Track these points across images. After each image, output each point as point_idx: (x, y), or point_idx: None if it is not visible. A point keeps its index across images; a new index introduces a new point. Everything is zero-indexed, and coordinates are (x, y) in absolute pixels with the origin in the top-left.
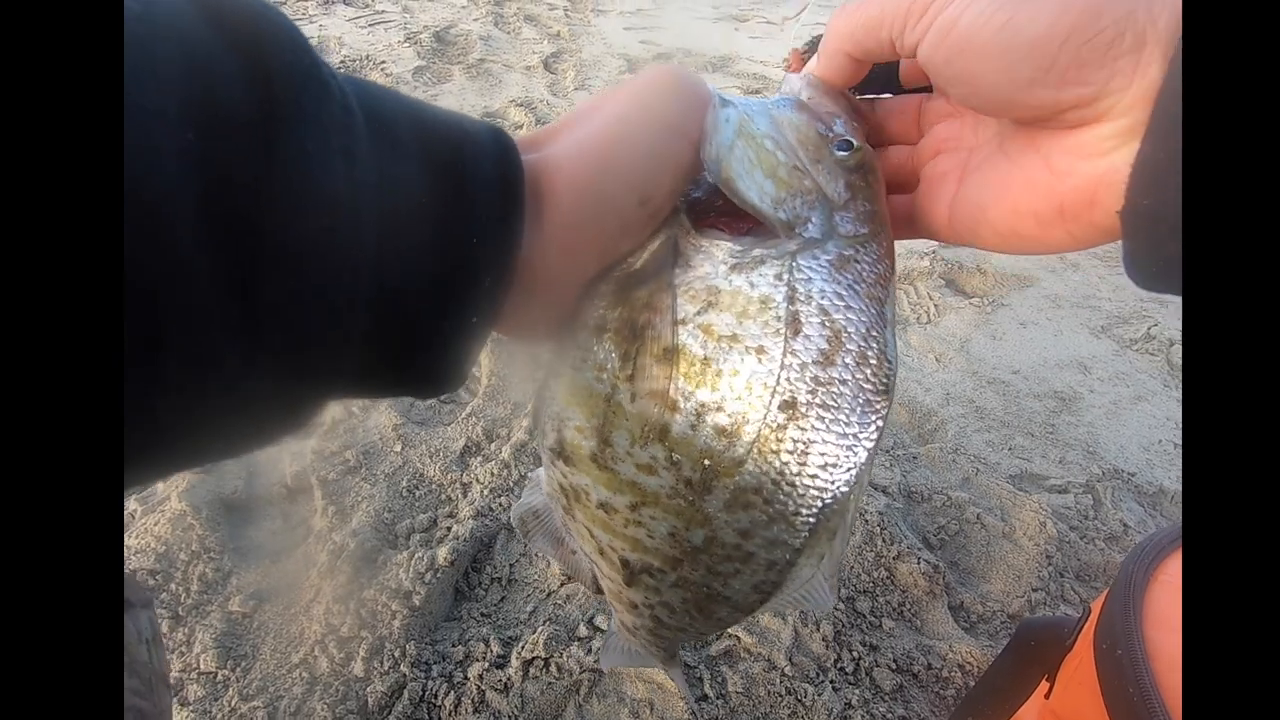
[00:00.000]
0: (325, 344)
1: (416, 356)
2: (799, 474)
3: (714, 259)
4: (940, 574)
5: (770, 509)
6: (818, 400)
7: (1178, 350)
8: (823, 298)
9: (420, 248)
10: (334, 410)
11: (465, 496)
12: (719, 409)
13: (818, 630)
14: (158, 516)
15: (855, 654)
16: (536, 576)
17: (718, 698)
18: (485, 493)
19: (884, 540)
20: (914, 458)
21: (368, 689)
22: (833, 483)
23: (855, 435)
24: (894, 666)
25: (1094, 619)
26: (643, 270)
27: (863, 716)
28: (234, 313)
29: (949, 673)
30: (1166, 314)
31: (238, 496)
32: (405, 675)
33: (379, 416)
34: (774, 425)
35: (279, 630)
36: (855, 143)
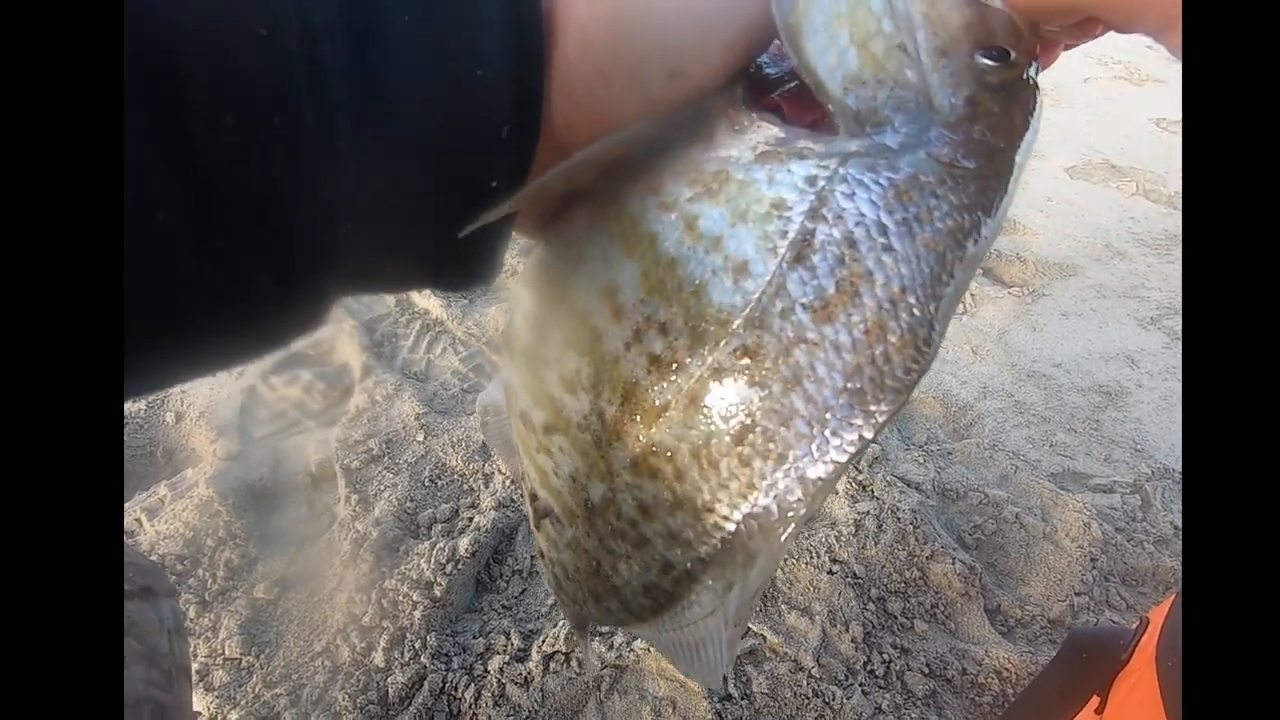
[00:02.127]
0: (310, 258)
1: (432, 255)
2: (727, 455)
3: (744, 142)
4: (976, 575)
5: (678, 489)
6: (789, 364)
7: None
8: (857, 224)
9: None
10: (358, 399)
11: (487, 487)
12: (662, 331)
13: (847, 631)
14: (186, 503)
15: (886, 656)
16: None
17: (742, 698)
18: (507, 484)
19: (917, 539)
20: (949, 453)
21: (388, 679)
22: (769, 487)
23: (825, 435)
24: (926, 671)
25: (1154, 631)
26: (659, 136)
27: None
28: (197, 220)
29: (985, 679)
30: None
31: (264, 484)
32: (425, 667)
33: (403, 405)
34: (720, 376)
35: (302, 618)
36: (1013, 55)
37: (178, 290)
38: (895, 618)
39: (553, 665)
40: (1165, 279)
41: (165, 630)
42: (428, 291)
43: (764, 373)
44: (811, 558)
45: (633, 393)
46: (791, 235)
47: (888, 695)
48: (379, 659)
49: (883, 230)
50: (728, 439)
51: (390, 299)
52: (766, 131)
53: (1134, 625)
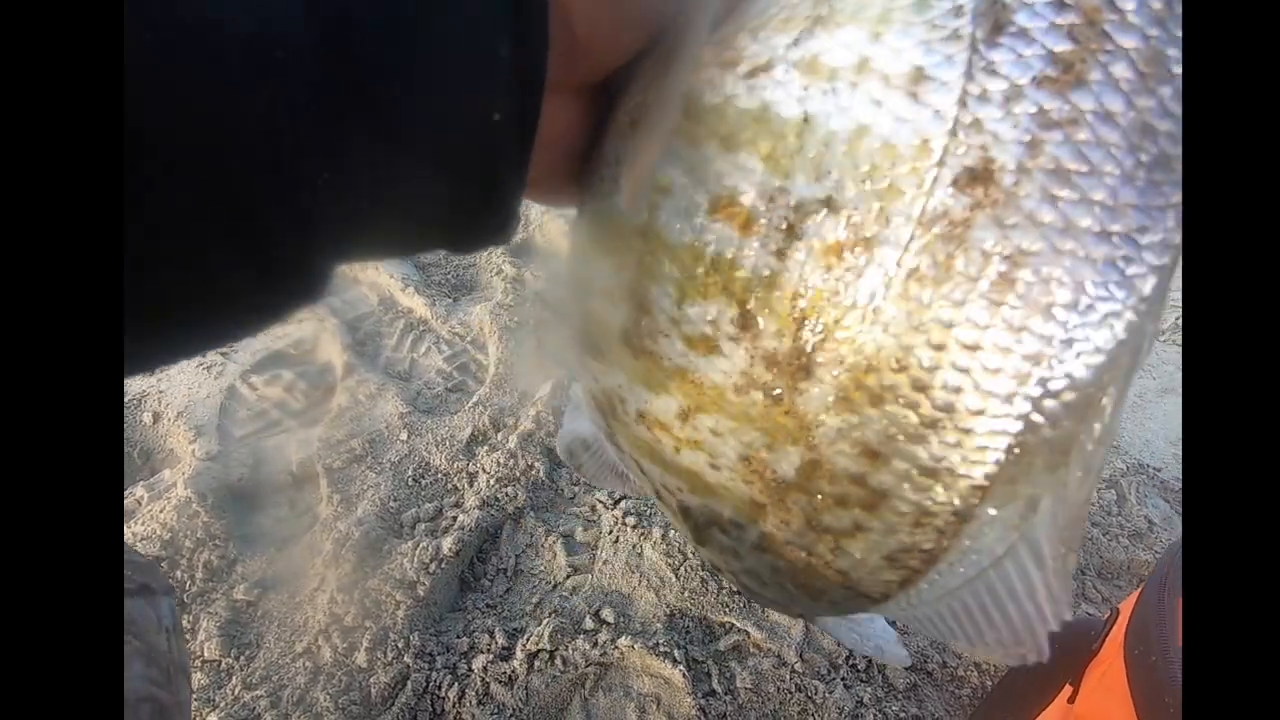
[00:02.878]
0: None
1: (437, 211)
2: (991, 326)
3: None
4: None
5: (926, 403)
6: (1043, 162)
7: None
8: None
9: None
10: (340, 398)
11: (471, 486)
12: (831, 209)
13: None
14: (163, 503)
15: None
16: (542, 568)
17: (726, 694)
18: (492, 482)
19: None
20: None
21: (371, 680)
22: (1069, 344)
23: (1129, 237)
24: (908, 664)
25: (1123, 621)
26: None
27: (875, 715)
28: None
29: (964, 671)
30: None
31: (244, 484)
32: (409, 666)
33: (386, 405)
34: (943, 226)
35: (283, 619)
36: None
37: (149, 269)
38: None
39: (537, 663)
40: None
41: (163, 628)
42: (411, 289)
43: (1010, 190)
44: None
45: (811, 305)
46: (972, 6)
47: (869, 689)
48: (361, 659)
49: None
50: (986, 305)
51: (373, 297)
52: None
53: (1105, 616)
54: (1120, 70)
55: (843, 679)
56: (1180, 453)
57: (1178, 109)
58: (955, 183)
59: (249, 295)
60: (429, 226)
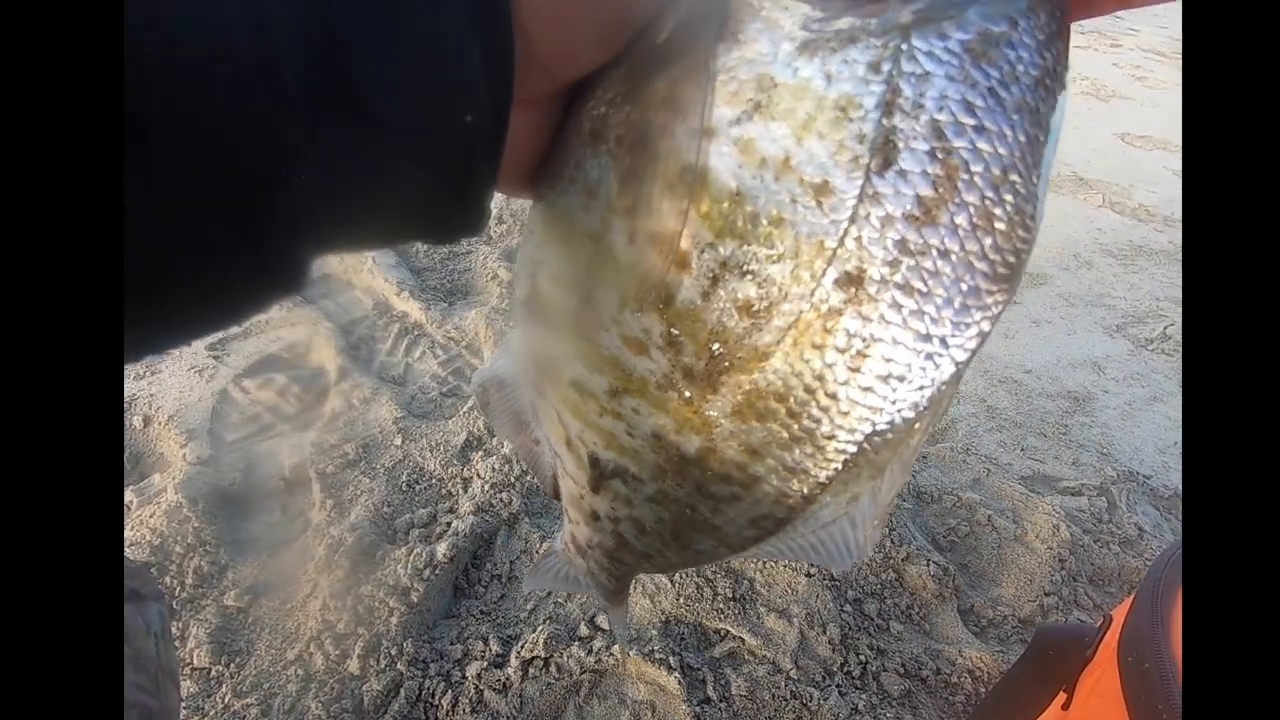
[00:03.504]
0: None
1: (410, 203)
2: (847, 384)
3: (777, 32)
4: (950, 577)
5: (795, 425)
6: (898, 279)
7: None
8: (940, 109)
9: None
10: (334, 403)
11: (466, 491)
12: (746, 274)
13: (824, 633)
14: (153, 509)
15: (862, 658)
16: None
17: (720, 700)
18: (486, 488)
19: (892, 541)
20: (923, 457)
21: (363, 687)
22: (895, 403)
23: (944, 340)
24: (902, 671)
25: (1116, 628)
26: (668, 46)
27: None
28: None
29: (958, 678)
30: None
31: (235, 489)
32: (402, 674)
33: (380, 409)
34: (824, 308)
35: (274, 626)
36: None
37: (132, 260)
38: (871, 619)
39: (531, 671)
40: (1130, 288)
41: (152, 634)
42: (406, 294)
43: (872, 294)
44: (790, 560)
45: (724, 342)
46: (871, 138)
47: (864, 696)
48: (354, 666)
49: (969, 109)
50: (844, 369)
51: (368, 301)
52: (798, 11)
53: (1098, 623)
54: (961, 219)
55: (837, 686)
56: (1169, 460)
57: (996, 255)
58: (837, 281)
59: (242, 282)
60: (408, 220)
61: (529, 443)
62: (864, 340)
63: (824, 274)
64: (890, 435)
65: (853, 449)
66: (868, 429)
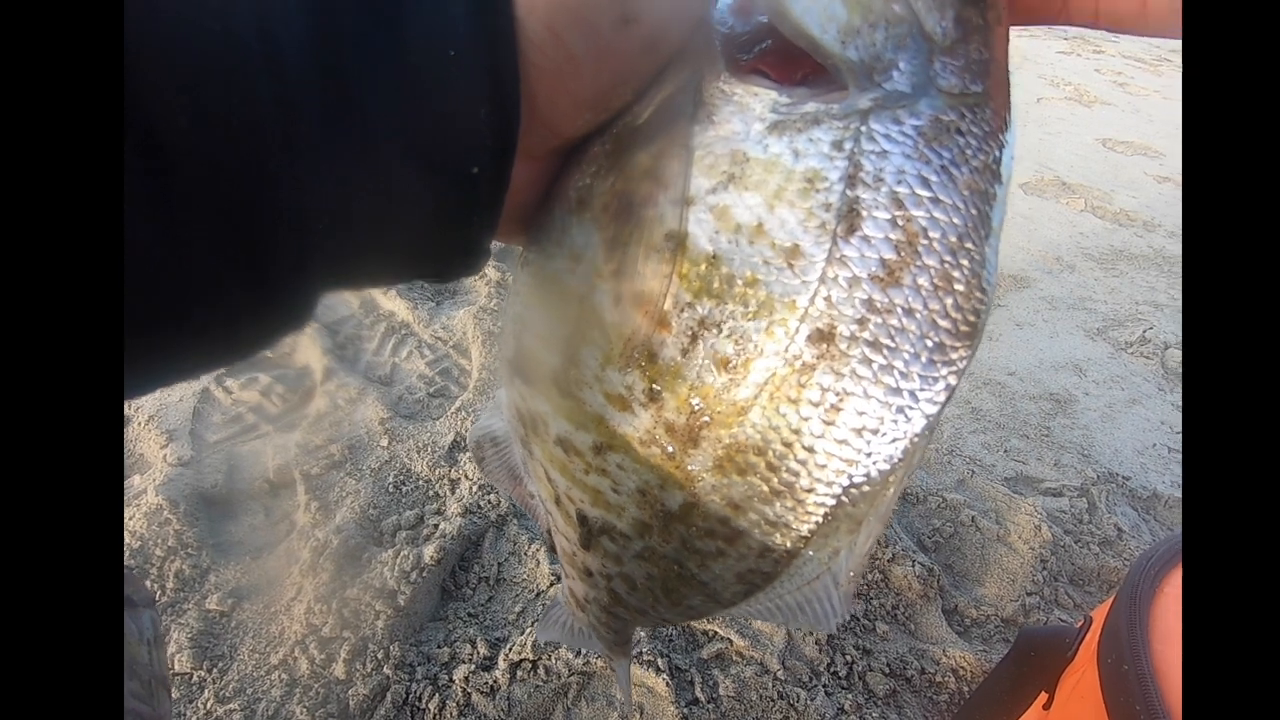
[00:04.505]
0: (282, 259)
1: (414, 245)
2: (822, 437)
3: (748, 114)
4: (935, 577)
5: (775, 479)
6: (866, 335)
7: (1172, 354)
8: (899, 182)
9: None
10: (319, 403)
11: (453, 493)
12: (723, 332)
13: (811, 634)
14: (133, 511)
15: (848, 658)
16: (525, 576)
17: (709, 701)
18: (474, 489)
19: (879, 542)
20: None
21: (349, 691)
22: (869, 455)
23: (914, 393)
24: (887, 671)
25: (1096, 630)
26: (649, 125)
27: None
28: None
29: (942, 678)
30: (1163, 317)
31: (217, 490)
32: (388, 677)
33: (366, 410)
34: (797, 364)
35: (258, 630)
36: None
37: (143, 294)
38: (858, 619)
39: (519, 673)
40: (1110, 291)
41: (144, 641)
42: (394, 293)
43: (843, 350)
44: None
45: (704, 398)
46: (836, 207)
47: (850, 696)
48: (339, 671)
49: (925, 183)
50: (819, 422)
51: (354, 300)
52: (766, 97)
53: (1078, 624)
54: (923, 280)
55: (824, 686)
56: (1147, 462)
57: (957, 314)
58: (809, 337)
59: (251, 318)
60: (411, 260)
61: (525, 494)
62: (837, 394)
63: (797, 331)
64: (866, 488)
65: (831, 502)
66: (845, 481)
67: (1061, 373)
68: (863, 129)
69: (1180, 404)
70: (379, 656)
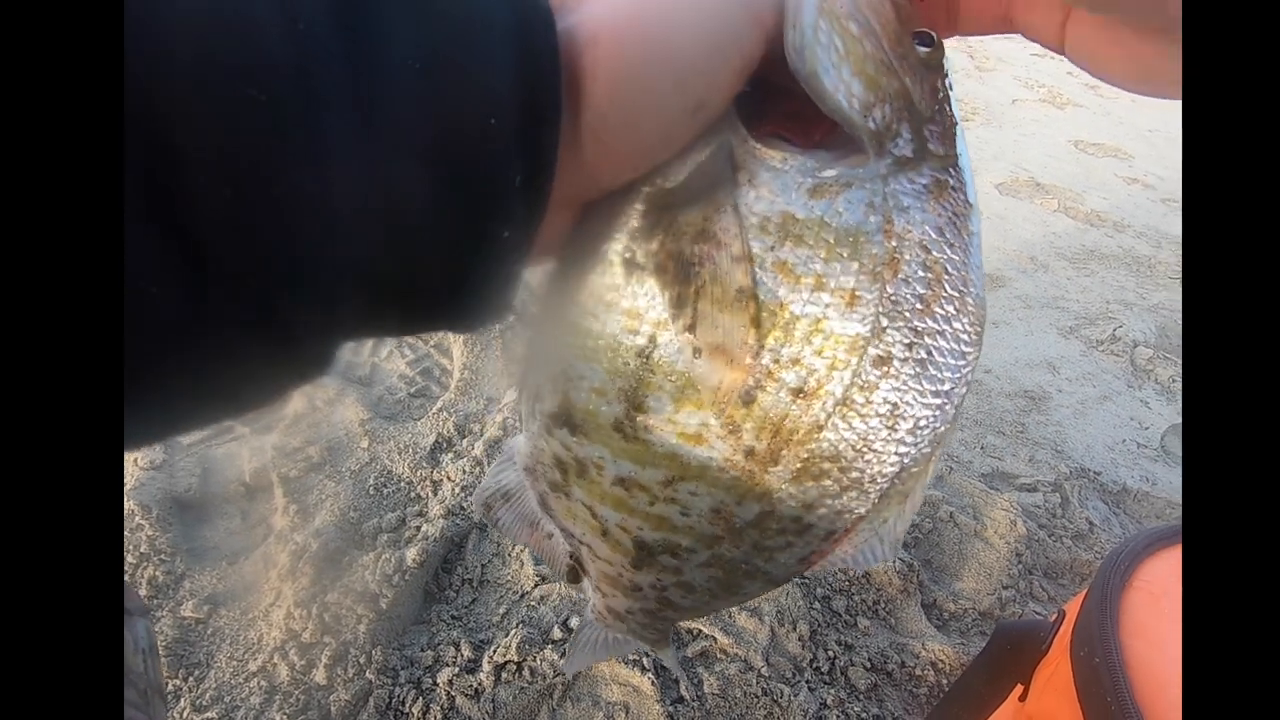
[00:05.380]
0: (310, 307)
1: (441, 299)
2: (886, 438)
3: (785, 178)
4: (915, 572)
5: (846, 478)
6: (915, 355)
7: (1141, 351)
8: (923, 233)
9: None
10: (296, 403)
11: (436, 495)
12: (800, 366)
13: (794, 630)
14: None
15: (831, 653)
16: (509, 577)
17: (694, 699)
18: (457, 490)
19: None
20: None
21: (330, 697)
22: (917, 445)
23: (947, 393)
24: (869, 665)
25: (1069, 623)
26: (687, 187)
27: (838, 716)
28: (188, 284)
29: (922, 671)
30: (1131, 315)
31: (191, 495)
32: (371, 682)
33: (345, 411)
34: (865, 384)
35: (235, 636)
36: (935, 37)
37: (170, 349)
38: (840, 615)
39: (504, 675)
40: (1082, 291)
41: (140, 650)
42: None
43: (898, 369)
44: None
45: (782, 424)
46: (880, 256)
47: (832, 691)
48: (320, 676)
49: (940, 231)
50: (882, 428)
51: None
52: (797, 161)
53: (1052, 618)
54: (949, 308)
55: (807, 682)
56: (1117, 457)
57: (970, 328)
58: (873, 362)
59: (270, 374)
60: (437, 311)
61: (541, 539)
62: (894, 404)
63: (863, 359)
64: (914, 468)
65: (888, 485)
66: (899, 468)
67: (1036, 370)
68: (886, 190)
69: (1147, 401)
70: (361, 661)
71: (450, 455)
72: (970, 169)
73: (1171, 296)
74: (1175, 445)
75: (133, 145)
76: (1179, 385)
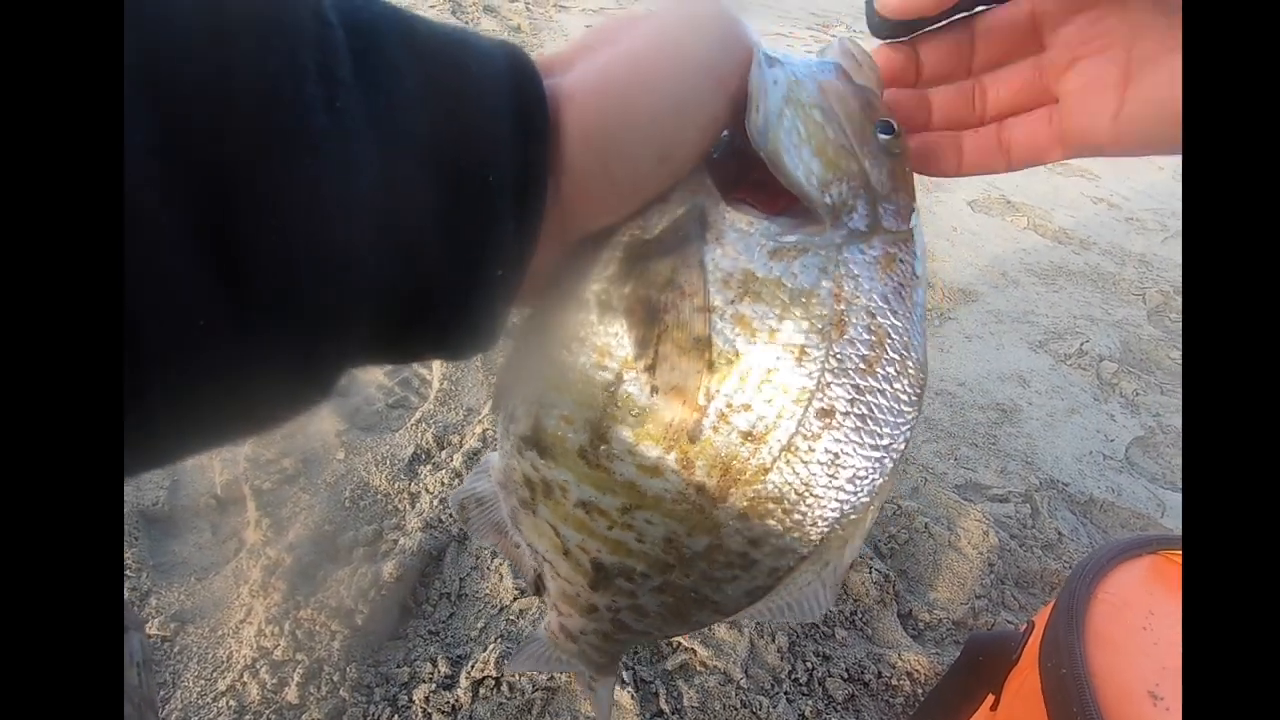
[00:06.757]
0: (329, 331)
1: (440, 328)
2: (827, 485)
3: (749, 239)
4: (891, 583)
5: (788, 519)
6: (856, 410)
7: (1107, 365)
8: (870, 299)
9: (430, 227)
10: None
11: (413, 507)
12: (750, 411)
13: (773, 641)
14: None
15: (809, 664)
16: (488, 591)
17: (673, 713)
18: (435, 503)
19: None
20: None
21: (303, 717)
22: (856, 494)
23: (886, 447)
24: (846, 676)
25: (1038, 634)
26: (661, 240)
27: None
28: (221, 299)
29: (898, 681)
30: (1097, 331)
31: (159, 508)
32: (345, 700)
33: (320, 422)
34: (808, 434)
35: (203, 655)
36: (897, 126)
37: (203, 374)
38: (817, 626)
39: (482, 691)
40: (1051, 306)
41: (134, 663)
42: None
43: (840, 420)
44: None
45: (731, 464)
46: (829, 316)
47: (810, 702)
48: (292, 695)
49: (885, 299)
50: (823, 475)
51: None
52: (761, 225)
53: (1022, 628)
54: (891, 369)
55: (785, 693)
56: (1085, 469)
57: (910, 389)
58: (816, 413)
59: (287, 398)
60: (429, 342)
61: (510, 545)
62: (835, 454)
63: (807, 410)
64: (854, 515)
65: (827, 529)
66: (838, 514)
67: (1007, 383)
68: (839, 258)
69: (1113, 414)
70: (335, 679)
71: (429, 467)
72: (924, 245)
73: (1134, 313)
74: (1139, 457)
75: (176, 162)
76: (1142, 399)
